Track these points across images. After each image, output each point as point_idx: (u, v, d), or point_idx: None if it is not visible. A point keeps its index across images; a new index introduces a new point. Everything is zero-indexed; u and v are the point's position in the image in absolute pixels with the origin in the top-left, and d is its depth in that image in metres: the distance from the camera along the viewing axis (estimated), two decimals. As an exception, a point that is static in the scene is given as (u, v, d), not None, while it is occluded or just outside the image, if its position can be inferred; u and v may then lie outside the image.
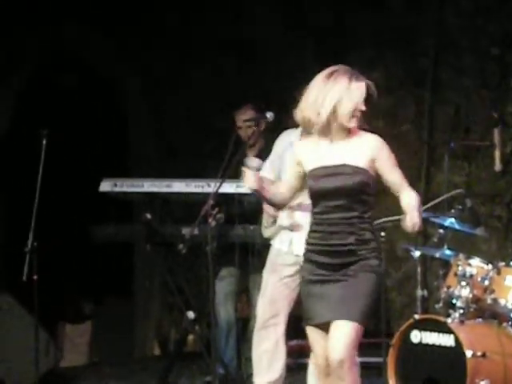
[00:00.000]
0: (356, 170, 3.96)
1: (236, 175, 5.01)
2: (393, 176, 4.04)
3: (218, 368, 5.41)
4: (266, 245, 5.39)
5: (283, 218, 5.28)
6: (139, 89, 7.58)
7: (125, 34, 7.57)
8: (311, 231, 4.05)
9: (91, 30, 7.50)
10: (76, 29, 7.44)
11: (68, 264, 7.07)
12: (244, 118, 5.90)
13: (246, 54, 7.54)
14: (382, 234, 5.27)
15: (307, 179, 4.03)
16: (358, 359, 4.00)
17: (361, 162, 3.97)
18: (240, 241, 5.68)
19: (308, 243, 4.05)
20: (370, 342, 5.74)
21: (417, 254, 5.41)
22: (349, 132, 4.01)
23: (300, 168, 4.06)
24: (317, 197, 4.01)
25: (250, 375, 5.60)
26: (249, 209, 5.70)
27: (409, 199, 4.01)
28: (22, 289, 5.68)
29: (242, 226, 5.69)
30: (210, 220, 5.19)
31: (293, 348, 6.03)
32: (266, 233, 5.33)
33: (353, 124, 3.99)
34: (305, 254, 4.07)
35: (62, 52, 7.51)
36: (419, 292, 5.37)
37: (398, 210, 6.30)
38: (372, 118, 7.31)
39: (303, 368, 5.54)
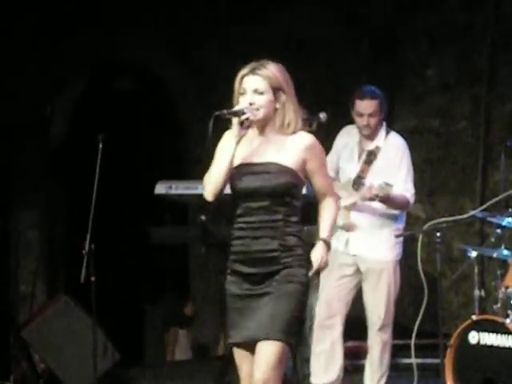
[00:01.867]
0: (282, 169, 3.72)
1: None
2: (319, 180, 3.80)
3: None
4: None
5: (339, 218, 5.25)
6: (194, 90, 7.61)
7: (177, 35, 7.61)
8: (234, 238, 3.77)
9: (144, 33, 7.56)
10: (129, 32, 7.51)
11: (126, 266, 7.14)
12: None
13: (301, 53, 7.52)
14: (438, 234, 5.21)
15: (231, 176, 3.75)
16: (283, 376, 3.75)
17: (290, 161, 3.74)
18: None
19: (232, 252, 3.77)
20: (427, 344, 5.71)
21: (473, 254, 5.34)
22: (289, 131, 3.77)
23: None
24: (238, 197, 3.75)
25: (307, 375, 5.59)
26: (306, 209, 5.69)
27: (325, 220, 3.83)
28: (81, 290, 5.76)
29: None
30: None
31: (350, 349, 6.00)
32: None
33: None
34: (229, 265, 3.80)
35: (116, 56, 7.58)
36: (476, 292, 5.30)
37: (453, 210, 6.24)
38: (427, 116, 7.35)
39: (360, 369, 5.53)
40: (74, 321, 6.19)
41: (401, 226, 5.42)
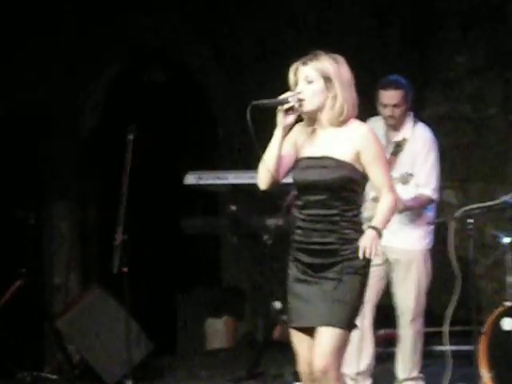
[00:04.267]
0: (339, 164, 3.75)
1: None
2: (374, 172, 3.76)
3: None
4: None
5: (369, 209, 5.20)
6: (227, 80, 7.60)
7: (211, 25, 7.60)
8: (296, 227, 3.85)
9: (177, 22, 7.56)
10: (161, 20, 7.51)
11: (157, 256, 7.17)
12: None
13: (328, 40, 7.48)
14: (470, 220, 5.18)
15: (293, 168, 3.83)
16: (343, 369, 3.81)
17: (346, 155, 3.76)
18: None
19: (294, 240, 3.85)
20: (460, 331, 5.67)
21: (506, 240, 5.30)
22: (340, 122, 3.80)
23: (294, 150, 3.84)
24: (298, 189, 3.83)
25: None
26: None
27: (380, 211, 3.79)
28: (114, 281, 5.80)
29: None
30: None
31: (381, 337, 5.99)
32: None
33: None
34: (291, 252, 3.86)
35: (149, 45, 7.59)
36: (509, 279, 5.26)
37: (485, 196, 6.20)
38: (458, 102, 7.29)
39: (392, 357, 5.51)
40: (107, 311, 6.24)
41: (431, 213, 5.39)
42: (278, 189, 3.79)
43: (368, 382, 5.44)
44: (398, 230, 5.28)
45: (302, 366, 3.85)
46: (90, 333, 6.22)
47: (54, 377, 6.41)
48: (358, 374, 5.40)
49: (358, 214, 3.83)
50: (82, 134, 7.18)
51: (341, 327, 3.71)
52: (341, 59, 3.86)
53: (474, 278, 5.44)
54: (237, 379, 6.07)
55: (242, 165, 6.79)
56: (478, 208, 5.37)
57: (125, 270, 5.66)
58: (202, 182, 6.00)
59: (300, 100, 3.78)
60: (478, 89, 7.23)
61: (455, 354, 5.46)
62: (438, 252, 6.57)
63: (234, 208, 5.91)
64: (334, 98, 3.78)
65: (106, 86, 7.41)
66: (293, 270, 3.84)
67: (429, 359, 5.89)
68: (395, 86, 5.27)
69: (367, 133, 3.82)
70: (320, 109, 3.80)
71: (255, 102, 3.78)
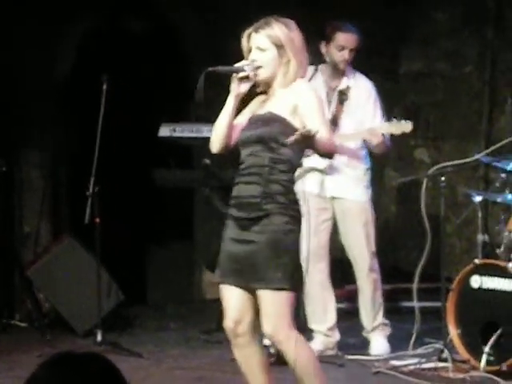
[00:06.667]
0: (273, 118, 3.80)
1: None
2: (311, 123, 3.72)
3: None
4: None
5: (313, 160, 5.16)
6: (203, 33, 7.52)
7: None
8: (233, 184, 3.91)
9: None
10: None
11: (129, 208, 7.15)
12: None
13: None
14: (442, 178, 5.21)
15: None
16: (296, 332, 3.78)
17: (282, 109, 3.80)
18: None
19: (231, 197, 3.90)
20: (429, 287, 5.74)
21: (478, 198, 5.35)
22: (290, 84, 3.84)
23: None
24: (239, 146, 3.89)
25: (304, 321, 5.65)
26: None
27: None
28: (85, 231, 5.79)
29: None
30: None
31: (345, 293, 6.06)
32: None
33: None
34: (228, 210, 3.91)
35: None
36: (480, 237, 5.31)
37: (458, 155, 6.24)
38: (434, 59, 7.28)
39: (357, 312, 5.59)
40: (78, 261, 6.23)
41: (368, 166, 5.48)
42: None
43: (337, 335, 5.52)
44: (344, 179, 5.35)
45: (227, 322, 3.84)
46: (60, 282, 6.22)
47: (24, 325, 6.42)
48: (329, 329, 5.47)
49: (288, 171, 3.80)
50: (56, 82, 7.09)
51: (281, 288, 3.70)
52: (292, 24, 3.89)
53: (445, 236, 5.48)
54: (207, 331, 6.11)
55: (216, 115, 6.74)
56: (450, 166, 5.41)
57: (97, 220, 5.65)
58: (176, 134, 5.97)
59: (255, 69, 3.82)
60: (454, 46, 7.22)
61: (424, 310, 5.53)
62: (409, 210, 6.63)
63: (207, 161, 5.89)
64: (287, 63, 3.84)
65: (80, 34, 7.30)
66: (227, 229, 3.85)
67: (397, 315, 5.97)
68: (353, 30, 5.36)
69: (305, 87, 3.88)
70: (273, 76, 3.86)
71: (210, 69, 3.84)
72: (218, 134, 3.89)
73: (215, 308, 6.70)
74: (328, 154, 3.87)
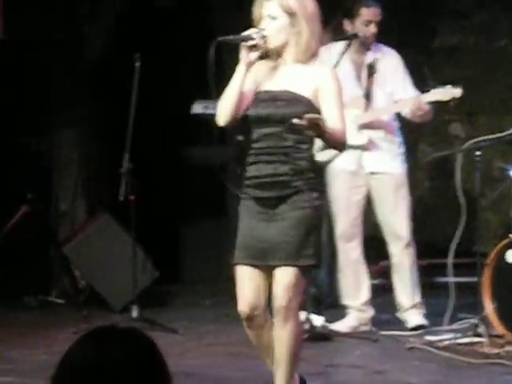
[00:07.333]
0: (297, 98, 3.70)
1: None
2: (328, 111, 3.66)
3: (310, 288, 5.47)
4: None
5: (351, 136, 5.15)
6: (236, 10, 7.49)
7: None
8: (249, 164, 3.80)
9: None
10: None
11: (163, 185, 7.17)
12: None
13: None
14: (478, 153, 5.17)
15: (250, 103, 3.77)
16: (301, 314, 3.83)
17: (304, 90, 3.71)
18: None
19: (246, 177, 3.80)
20: (464, 263, 5.72)
21: (513, 173, 5.30)
22: (306, 58, 3.75)
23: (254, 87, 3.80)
24: (251, 123, 3.78)
25: (338, 296, 5.66)
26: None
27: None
28: (120, 209, 5.82)
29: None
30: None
31: (382, 268, 6.05)
32: (322, 156, 5.27)
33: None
34: (244, 189, 3.81)
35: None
36: (515, 212, 5.28)
37: (493, 129, 6.19)
38: (467, 34, 7.21)
39: (389, 288, 5.59)
40: (114, 238, 6.28)
41: (401, 139, 5.46)
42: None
43: (371, 311, 5.52)
44: (382, 153, 5.33)
45: (243, 307, 3.76)
46: (96, 259, 6.27)
47: (60, 301, 6.49)
48: (362, 304, 5.47)
49: (311, 148, 3.75)
50: (89, 62, 7.11)
51: (296, 265, 3.67)
52: None
53: (480, 211, 5.45)
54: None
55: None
56: (485, 140, 5.37)
57: (131, 197, 5.68)
58: (208, 111, 5.97)
59: (264, 37, 3.74)
60: (487, 20, 7.15)
61: (459, 285, 5.52)
62: (444, 185, 6.58)
63: (240, 138, 5.88)
64: (299, 33, 3.74)
65: (111, 13, 7.31)
66: (243, 208, 3.79)
67: (432, 290, 5.96)
68: (376, 3, 5.35)
69: (329, 72, 3.81)
70: (284, 45, 3.78)
71: (220, 38, 3.78)
72: (227, 105, 3.75)
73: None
74: (338, 145, 3.76)
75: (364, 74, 5.36)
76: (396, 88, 5.34)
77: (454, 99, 5.18)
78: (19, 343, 5.37)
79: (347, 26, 5.34)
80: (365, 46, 5.35)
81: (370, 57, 5.38)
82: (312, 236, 3.71)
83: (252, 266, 3.76)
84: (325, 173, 5.32)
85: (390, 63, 5.37)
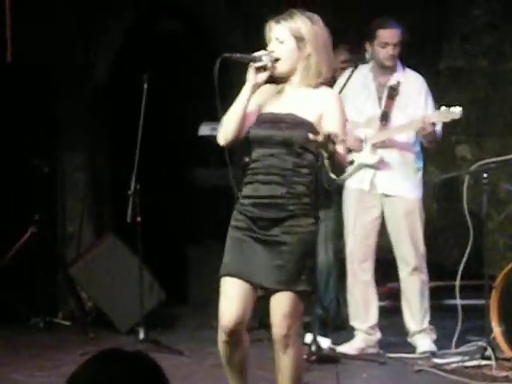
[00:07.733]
0: (301, 122, 3.68)
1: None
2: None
3: (317, 309, 5.46)
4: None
5: (364, 156, 5.22)
6: (241, 35, 7.54)
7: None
8: (246, 182, 3.79)
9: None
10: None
11: (170, 207, 7.18)
12: (341, 60, 5.83)
13: None
14: (485, 175, 5.17)
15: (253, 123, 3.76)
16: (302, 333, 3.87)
17: (308, 114, 3.69)
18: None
19: (242, 196, 3.78)
20: (472, 285, 5.70)
21: (520, 195, 5.30)
22: (316, 84, 3.74)
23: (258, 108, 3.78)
24: (253, 142, 3.77)
25: (346, 318, 5.64)
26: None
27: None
28: (127, 230, 5.82)
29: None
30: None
31: (386, 291, 6.04)
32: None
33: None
34: (238, 207, 3.79)
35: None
36: (523, 234, 5.27)
37: (500, 151, 6.19)
38: (474, 56, 7.23)
39: (397, 311, 5.56)
40: (121, 260, 6.28)
41: (421, 164, 5.44)
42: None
43: (379, 334, 5.50)
44: (396, 176, 5.32)
45: (227, 323, 3.72)
46: (102, 280, 6.27)
47: (67, 323, 6.48)
48: (370, 327, 5.45)
49: (311, 174, 3.72)
50: (96, 84, 7.15)
51: (291, 290, 3.66)
52: (316, 18, 3.78)
53: (487, 233, 5.44)
54: (249, 328, 6.10)
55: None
56: (493, 162, 5.36)
57: (138, 219, 5.68)
58: (216, 132, 5.96)
59: (274, 60, 3.73)
60: (495, 42, 7.17)
61: (466, 308, 5.49)
62: (451, 207, 6.58)
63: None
64: (307, 58, 3.73)
65: (120, 36, 7.35)
66: (236, 222, 3.77)
67: (440, 312, 5.93)
68: (394, 25, 5.33)
69: (333, 95, 3.81)
70: (292, 70, 3.76)
71: (227, 54, 3.75)
72: (229, 125, 3.74)
73: (256, 307, 6.71)
74: (339, 168, 3.73)
75: (385, 95, 5.35)
76: (418, 111, 5.30)
77: (453, 120, 5.17)
78: (26, 365, 5.37)
79: (368, 48, 5.35)
80: (385, 69, 5.35)
81: (394, 79, 5.37)
82: (307, 262, 3.70)
83: (239, 279, 3.74)
84: (331, 195, 5.34)
85: (413, 86, 5.35)
